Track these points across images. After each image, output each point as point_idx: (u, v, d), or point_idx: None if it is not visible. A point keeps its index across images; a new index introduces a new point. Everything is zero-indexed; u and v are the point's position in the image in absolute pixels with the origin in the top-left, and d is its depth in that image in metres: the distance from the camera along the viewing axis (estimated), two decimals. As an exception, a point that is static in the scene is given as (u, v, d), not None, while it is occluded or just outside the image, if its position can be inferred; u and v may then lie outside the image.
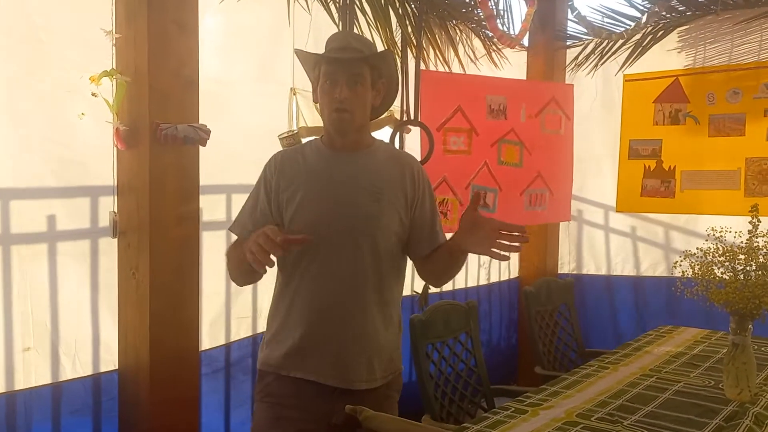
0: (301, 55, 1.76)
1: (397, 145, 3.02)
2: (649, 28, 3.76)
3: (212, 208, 2.46)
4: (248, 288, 2.63)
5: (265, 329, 1.84)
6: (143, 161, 2.04)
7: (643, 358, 2.57)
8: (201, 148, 2.15)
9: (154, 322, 2.06)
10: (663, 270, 3.98)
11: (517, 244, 1.60)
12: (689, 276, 2.10)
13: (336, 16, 2.70)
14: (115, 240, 2.13)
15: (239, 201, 2.53)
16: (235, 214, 2.51)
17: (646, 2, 3.78)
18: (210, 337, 2.52)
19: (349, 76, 1.66)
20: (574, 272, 4.26)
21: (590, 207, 4.22)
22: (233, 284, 2.51)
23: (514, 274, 4.24)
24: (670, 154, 3.75)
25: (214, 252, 2.39)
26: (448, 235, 1.84)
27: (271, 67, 2.58)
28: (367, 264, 1.72)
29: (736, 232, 2.10)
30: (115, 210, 2.11)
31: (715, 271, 2.06)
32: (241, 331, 2.64)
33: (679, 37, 3.84)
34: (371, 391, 1.75)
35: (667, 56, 3.84)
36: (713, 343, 2.79)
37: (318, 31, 2.62)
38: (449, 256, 1.78)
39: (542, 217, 3.93)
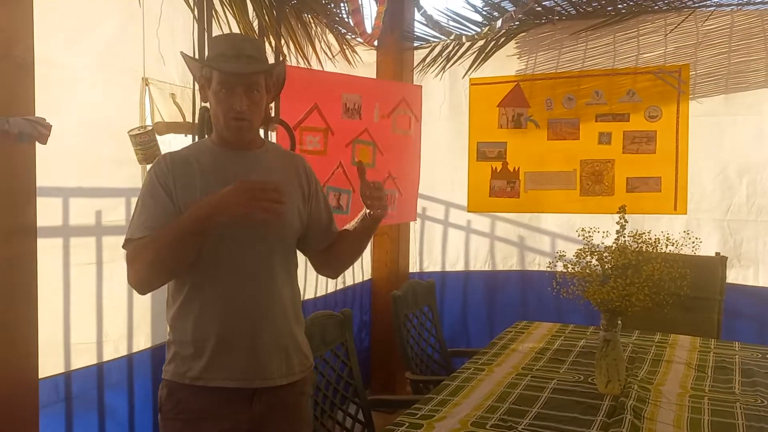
0: (187, 60, 1.70)
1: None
2: (491, 35, 3.89)
3: (45, 213, 2.05)
4: (92, 309, 2.26)
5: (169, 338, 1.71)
6: (-38, 162, 1.64)
7: (512, 357, 2.62)
8: (38, 146, 1.77)
9: (-20, 361, 1.67)
10: (513, 264, 4.17)
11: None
12: (564, 273, 2.16)
13: (191, 0, 2.42)
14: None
15: (78, 206, 2.18)
16: (73, 221, 2.17)
17: (488, 8, 3.91)
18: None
19: (247, 86, 1.63)
20: (418, 271, 4.32)
21: (437, 205, 4.30)
22: (73, 305, 2.18)
23: (367, 276, 4.18)
24: (515, 156, 3.93)
25: (48, 263, 2.02)
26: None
27: (119, 53, 2.22)
28: (277, 260, 1.72)
29: (603, 232, 2.20)
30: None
31: (589, 270, 2.14)
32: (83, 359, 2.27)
33: (516, 43, 4.03)
34: (290, 386, 1.75)
35: (507, 62, 4.01)
36: (568, 336, 2.94)
37: (172, 13, 2.32)
38: (360, 234, 1.81)
39: (392, 217, 3.92)
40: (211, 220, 1.53)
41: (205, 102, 1.69)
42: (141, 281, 1.61)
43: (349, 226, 1.84)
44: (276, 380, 1.71)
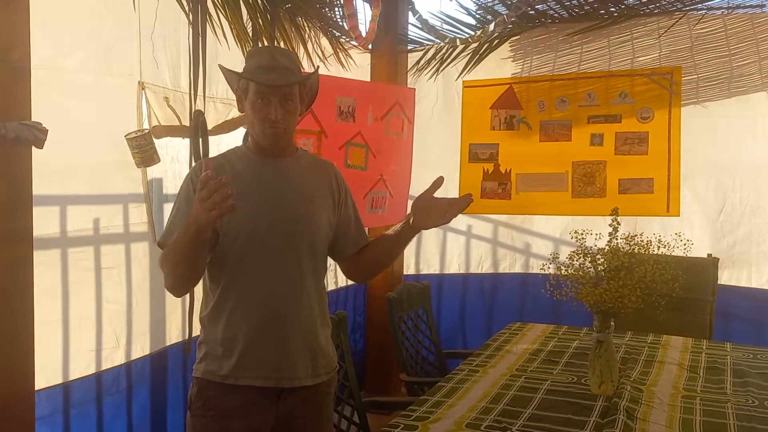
0: (225, 72, 1.77)
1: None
2: (484, 38, 3.91)
3: (42, 223, 2.06)
4: (92, 317, 2.27)
5: (200, 338, 1.78)
6: (-41, 167, 1.64)
7: (507, 358, 2.64)
8: (35, 150, 1.77)
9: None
10: (507, 267, 4.19)
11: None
12: (558, 275, 2.18)
13: (186, 4, 2.42)
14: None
15: (75, 213, 2.18)
16: (71, 228, 2.18)
17: (481, 11, 3.93)
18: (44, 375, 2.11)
19: (282, 96, 1.69)
20: (413, 273, 4.33)
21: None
22: (72, 312, 2.18)
23: (361, 277, 4.18)
24: (506, 158, 3.94)
25: (45, 274, 2.01)
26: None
27: (115, 57, 2.23)
28: (307, 264, 1.77)
29: (596, 234, 2.22)
30: None
31: (582, 272, 2.16)
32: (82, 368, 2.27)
33: (510, 46, 4.05)
34: (315, 387, 1.81)
35: (501, 64, 4.03)
36: (561, 337, 2.96)
37: (166, 17, 2.33)
38: (394, 243, 1.88)
39: (382, 219, 3.93)
40: (201, 235, 1.52)
41: (242, 112, 1.75)
42: (168, 285, 1.69)
43: (384, 233, 1.91)
44: (302, 380, 1.77)
